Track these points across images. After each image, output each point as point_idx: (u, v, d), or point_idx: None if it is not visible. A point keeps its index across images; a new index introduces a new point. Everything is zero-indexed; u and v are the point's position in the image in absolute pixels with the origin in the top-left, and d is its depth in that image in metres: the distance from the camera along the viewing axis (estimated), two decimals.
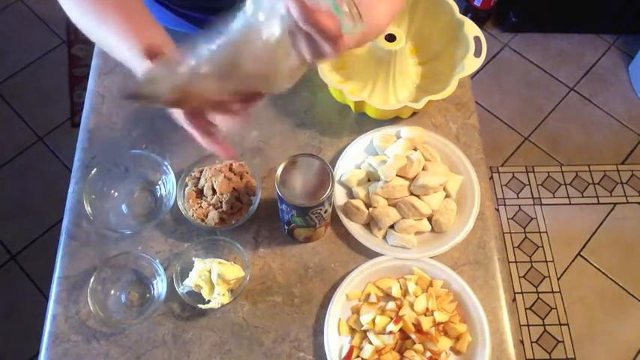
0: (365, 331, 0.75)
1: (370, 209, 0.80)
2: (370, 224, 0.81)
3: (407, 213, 0.79)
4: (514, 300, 1.70)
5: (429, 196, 0.80)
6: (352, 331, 0.76)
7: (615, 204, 1.86)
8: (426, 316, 0.74)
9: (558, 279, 1.73)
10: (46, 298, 0.78)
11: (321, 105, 0.91)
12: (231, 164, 0.82)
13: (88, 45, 1.88)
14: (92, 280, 0.74)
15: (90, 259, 0.80)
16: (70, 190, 0.85)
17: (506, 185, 1.89)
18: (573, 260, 1.76)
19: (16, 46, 2.13)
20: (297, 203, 0.68)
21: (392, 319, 0.74)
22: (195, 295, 0.75)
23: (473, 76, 0.90)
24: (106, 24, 0.64)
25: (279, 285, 0.78)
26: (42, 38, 2.14)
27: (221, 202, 0.79)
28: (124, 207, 0.83)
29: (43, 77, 2.07)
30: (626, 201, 1.87)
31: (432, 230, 0.81)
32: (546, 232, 1.80)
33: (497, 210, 1.84)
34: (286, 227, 0.78)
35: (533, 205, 1.85)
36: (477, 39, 0.86)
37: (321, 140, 0.89)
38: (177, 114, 0.59)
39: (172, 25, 0.94)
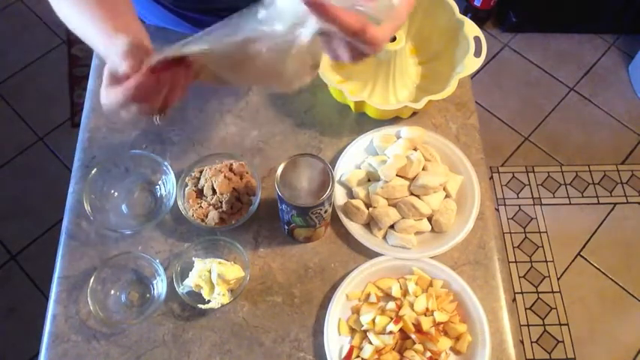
0: (365, 331, 0.75)
1: (370, 209, 0.80)
2: (370, 224, 0.81)
3: (407, 213, 0.79)
4: (514, 300, 1.70)
5: (429, 196, 0.80)
6: (352, 331, 0.76)
7: (615, 204, 1.86)
8: (426, 316, 0.74)
9: (558, 279, 1.73)
10: (46, 298, 0.78)
11: (321, 105, 0.91)
12: (231, 164, 0.82)
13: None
14: (92, 280, 0.74)
15: (90, 259, 0.80)
16: (70, 190, 0.85)
17: (506, 185, 1.89)
18: (573, 260, 1.76)
19: (16, 46, 2.13)
20: (297, 203, 0.68)
21: (392, 319, 0.74)
22: (195, 295, 0.75)
23: (473, 76, 0.90)
24: (85, 14, 0.63)
25: (279, 285, 0.78)
26: (42, 38, 2.14)
27: (221, 202, 0.79)
28: (124, 207, 0.83)
29: (43, 77, 2.07)
30: (626, 201, 1.87)
31: (432, 230, 0.81)
32: (546, 232, 1.80)
33: (497, 210, 1.84)
34: (286, 227, 0.78)
35: (533, 205, 1.85)
36: (477, 39, 0.86)
37: (321, 140, 0.89)
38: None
39: (171, 25, 0.94)
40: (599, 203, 1.86)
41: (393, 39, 0.82)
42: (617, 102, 2.06)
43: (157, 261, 0.76)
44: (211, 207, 0.80)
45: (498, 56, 2.15)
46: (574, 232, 1.81)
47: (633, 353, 1.63)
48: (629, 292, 1.71)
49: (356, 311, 0.77)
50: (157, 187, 0.84)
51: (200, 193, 0.82)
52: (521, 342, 1.64)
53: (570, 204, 1.86)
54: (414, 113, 0.90)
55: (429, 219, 0.81)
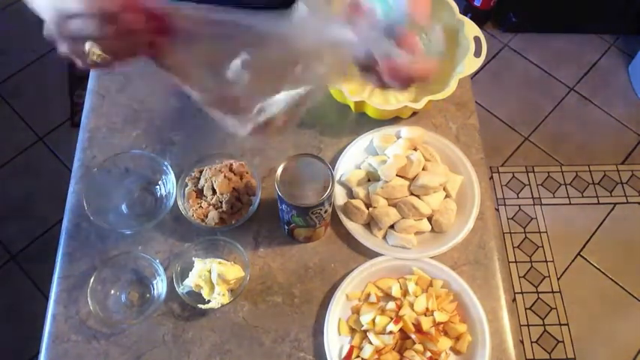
0: (365, 331, 0.75)
1: (370, 209, 0.80)
2: (370, 224, 0.81)
3: (407, 213, 0.79)
4: (514, 300, 1.70)
5: (429, 196, 0.80)
6: (352, 331, 0.76)
7: (615, 204, 1.86)
8: (426, 316, 0.74)
9: (558, 279, 1.73)
10: (46, 298, 0.78)
11: (321, 105, 0.91)
12: (231, 164, 0.82)
13: None
14: (92, 280, 0.74)
15: (90, 259, 0.80)
16: (70, 190, 0.85)
17: (506, 185, 1.89)
18: (573, 260, 1.76)
19: (16, 46, 2.13)
20: (297, 203, 0.68)
21: (392, 319, 0.74)
22: (195, 295, 0.75)
23: (473, 76, 0.90)
24: None
25: (279, 285, 0.78)
26: (42, 38, 2.13)
27: (221, 202, 0.79)
28: (124, 207, 0.83)
29: (43, 77, 2.07)
30: (626, 201, 1.87)
31: (432, 230, 0.81)
32: (546, 232, 1.80)
33: (497, 210, 1.84)
34: (286, 227, 0.78)
35: (533, 205, 1.85)
36: (477, 39, 0.86)
37: (321, 140, 0.89)
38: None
39: None
40: (599, 203, 1.86)
41: None
42: (617, 102, 2.06)
43: (157, 261, 0.76)
44: (211, 207, 0.80)
45: (498, 56, 2.15)
46: (574, 232, 1.81)
47: (633, 353, 1.63)
48: (629, 292, 1.71)
49: (356, 311, 0.77)
50: (157, 187, 0.84)
51: (200, 193, 0.82)
52: (521, 342, 1.63)
53: (570, 204, 1.86)
54: (414, 113, 0.90)
55: (429, 219, 0.81)
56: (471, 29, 0.86)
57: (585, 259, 1.76)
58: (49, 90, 2.04)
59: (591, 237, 1.80)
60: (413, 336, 0.73)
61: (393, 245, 0.79)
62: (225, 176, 0.80)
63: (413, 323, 0.74)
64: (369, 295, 0.77)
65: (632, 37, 2.19)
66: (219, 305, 0.73)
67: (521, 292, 1.71)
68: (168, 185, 0.82)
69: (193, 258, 0.76)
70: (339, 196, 0.82)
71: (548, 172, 1.91)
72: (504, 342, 0.76)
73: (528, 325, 1.66)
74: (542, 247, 1.78)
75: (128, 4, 0.48)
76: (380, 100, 0.90)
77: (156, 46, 0.52)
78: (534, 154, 1.95)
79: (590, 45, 2.19)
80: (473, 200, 0.82)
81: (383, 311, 0.76)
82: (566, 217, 1.84)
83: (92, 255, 0.80)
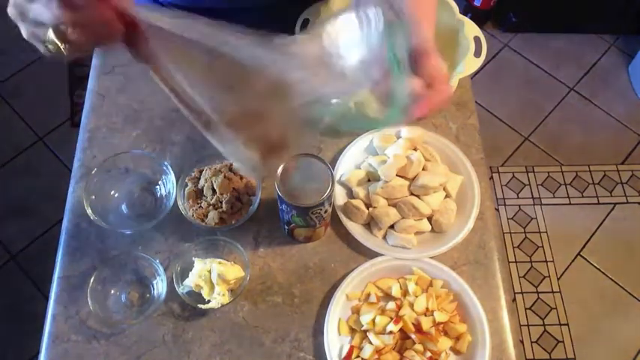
0: (365, 331, 0.75)
1: (370, 209, 0.80)
2: (370, 224, 0.81)
3: (407, 213, 0.79)
4: (514, 300, 1.70)
5: (429, 196, 0.80)
6: (352, 331, 0.76)
7: (615, 204, 1.86)
8: (426, 316, 0.74)
9: (558, 279, 1.73)
10: (46, 298, 0.78)
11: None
12: (231, 164, 0.82)
13: None
14: (92, 280, 0.74)
15: (90, 259, 0.80)
16: (70, 190, 0.85)
17: (506, 185, 1.89)
18: (573, 260, 1.76)
19: (16, 46, 2.13)
20: (297, 203, 0.68)
21: (392, 319, 0.74)
22: (195, 295, 0.75)
23: (473, 76, 0.89)
24: None
25: (279, 285, 0.78)
26: None
27: (221, 202, 0.79)
28: (124, 207, 0.83)
29: (43, 77, 2.07)
30: (626, 201, 1.87)
31: (432, 230, 0.81)
32: (546, 232, 1.80)
33: (497, 210, 1.84)
34: (286, 227, 0.78)
35: (533, 205, 1.85)
36: (477, 39, 0.86)
37: (321, 140, 0.89)
38: None
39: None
40: (599, 203, 1.86)
41: None
42: (617, 102, 2.06)
43: (157, 261, 0.76)
44: (211, 207, 0.80)
45: (498, 56, 2.15)
46: (574, 232, 1.81)
47: (633, 353, 1.63)
48: (629, 292, 1.71)
49: (356, 311, 0.77)
50: (157, 187, 0.84)
51: (200, 193, 0.81)
52: (521, 342, 1.63)
53: (570, 204, 1.86)
54: None
55: (429, 219, 0.81)
56: (471, 29, 0.86)
57: (585, 259, 1.76)
58: (49, 90, 2.04)
59: (591, 237, 1.80)
60: (413, 336, 0.73)
61: (393, 245, 0.79)
62: (225, 176, 0.80)
63: (413, 323, 0.74)
64: (369, 295, 0.77)
65: (632, 37, 2.19)
66: (219, 305, 0.73)
67: (521, 292, 1.71)
68: (168, 185, 0.82)
69: (193, 258, 0.76)
70: (339, 196, 0.82)
71: (548, 172, 1.91)
72: (504, 342, 0.76)
73: (528, 325, 1.66)
74: (542, 247, 1.78)
75: None
76: None
77: (128, 38, 0.48)
78: (534, 154, 1.95)
79: (590, 45, 2.19)
80: (473, 200, 0.82)
81: (383, 311, 0.76)
82: (566, 217, 1.84)
83: (92, 255, 0.80)
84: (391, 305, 0.75)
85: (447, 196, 0.83)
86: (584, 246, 1.78)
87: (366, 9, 0.50)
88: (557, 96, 2.07)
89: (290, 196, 0.68)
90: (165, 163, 0.82)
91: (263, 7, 0.85)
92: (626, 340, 1.65)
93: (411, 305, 0.75)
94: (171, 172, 0.82)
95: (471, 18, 0.88)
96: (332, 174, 0.68)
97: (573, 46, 2.18)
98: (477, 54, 0.85)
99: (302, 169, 0.69)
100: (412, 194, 0.81)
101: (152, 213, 0.82)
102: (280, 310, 0.77)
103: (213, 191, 0.80)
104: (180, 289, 0.74)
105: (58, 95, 2.03)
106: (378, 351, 0.73)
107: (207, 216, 0.79)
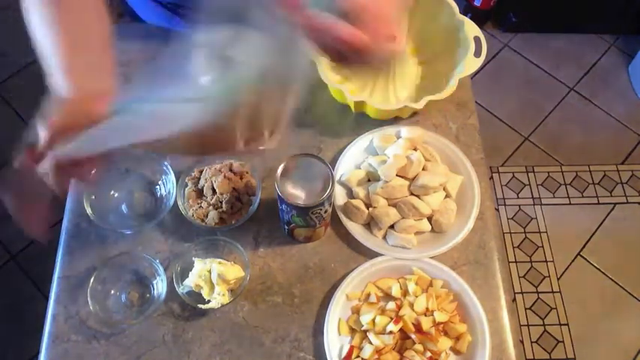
0: (365, 331, 0.75)
1: (370, 209, 0.80)
2: (370, 224, 0.81)
3: (407, 213, 0.79)
4: (514, 300, 1.70)
5: (429, 196, 0.80)
6: (352, 331, 0.76)
7: (615, 204, 1.86)
8: (426, 316, 0.74)
9: (558, 279, 1.73)
10: (46, 298, 0.78)
11: (321, 105, 0.91)
12: (231, 164, 0.82)
13: None
14: (92, 280, 0.74)
15: (90, 259, 0.80)
16: (70, 190, 0.85)
17: (506, 185, 1.89)
18: (573, 260, 1.76)
19: (16, 46, 2.12)
20: (297, 203, 0.68)
21: (392, 319, 0.74)
22: (195, 295, 0.75)
23: (473, 76, 0.90)
24: (47, 39, 0.58)
25: (279, 285, 0.78)
26: None
27: (221, 202, 0.79)
28: (124, 207, 0.83)
29: (43, 77, 2.06)
30: (626, 201, 1.87)
31: (432, 230, 0.81)
32: (546, 232, 1.80)
33: (497, 210, 1.84)
34: (286, 227, 0.78)
35: (533, 205, 1.85)
36: (476, 39, 0.86)
37: (321, 140, 0.89)
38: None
39: (165, 22, 0.93)
40: (599, 203, 1.86)
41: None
42: (617, 102, 2.06)
43: (157, 261, 0.76)
44: (211, 207, 0.80)
45: (498, 56, 2.15)
46: (574, 232, 1.81)
47: (633, 353, 1.63)
48: (629, 292, 1.71)
49: (356, 311, 0.77)
50: (157, 187, 0.84)
51: (200, 193, 0.81)
52: (521, 342, 1.63)
53: (570, 204, 1.86)
54: (414, 113, 0.90)
55: (429, 219, 0.81)
56: (471, 29, 0.86)
57: (585, 259, 1.76)
58: (50, 90, 2.04)
59: (591, 237, 1.80)
60: (413, 336, 0.73)
61: (393, 245, 0.79)
62: (225, 176, 0.80)
63: (413, 323, 0.74)
64: (369, 295, 0.77)
65: (632, 37, 2.19)
66: (219, 305, 0.73)
67: (521, 292, 1.71)
68: (168, 185, 0.82)
69: (193, 258, 0.76)
70: (339, 196, 0.82)
71: (548, 172, 1.91)
72: (504, 342, 0.76)
73: (528, 325, 1.66)
74: (542, 247, 1.78)
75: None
76: (380, 100, 0.90)
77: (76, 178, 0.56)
78: (534, 154, 1.95)
79: (590, 45, 2.19)
80: (473, 200, 0.82)
81: (383, 311, 0.76)
82: (566, 217, 1.84)
83: (92, 255, 0.80)
84: (391, 305, 0.75)
85: (447, 196, 0.83)
86: (584, 246, 1.78)
87: None
88: (557, 96, 2.07)
89: (290, 196, 0.68)
90: (165, 163, 0.82)
91: None
92: (626, 340, 1.65)
93: (411, 305, 0.75)
94: (171, 172, 0.82)
95: (471, 18, 0.88)
96: (332, 174, 0.68)
97: (573, 46, 2.18)
98: (477, 54, 0.85)
99: (302, 169, 0.69)
100: (412, 194, 0.81)
101: (152, 213, 0.82)
102: (280, 310, 0.77)
103: (213, 191, 0.80)
104: (180, 289, 0.74)
105: None
106: (378, 351, 0.73)
107: (207, 216, 0.79)
